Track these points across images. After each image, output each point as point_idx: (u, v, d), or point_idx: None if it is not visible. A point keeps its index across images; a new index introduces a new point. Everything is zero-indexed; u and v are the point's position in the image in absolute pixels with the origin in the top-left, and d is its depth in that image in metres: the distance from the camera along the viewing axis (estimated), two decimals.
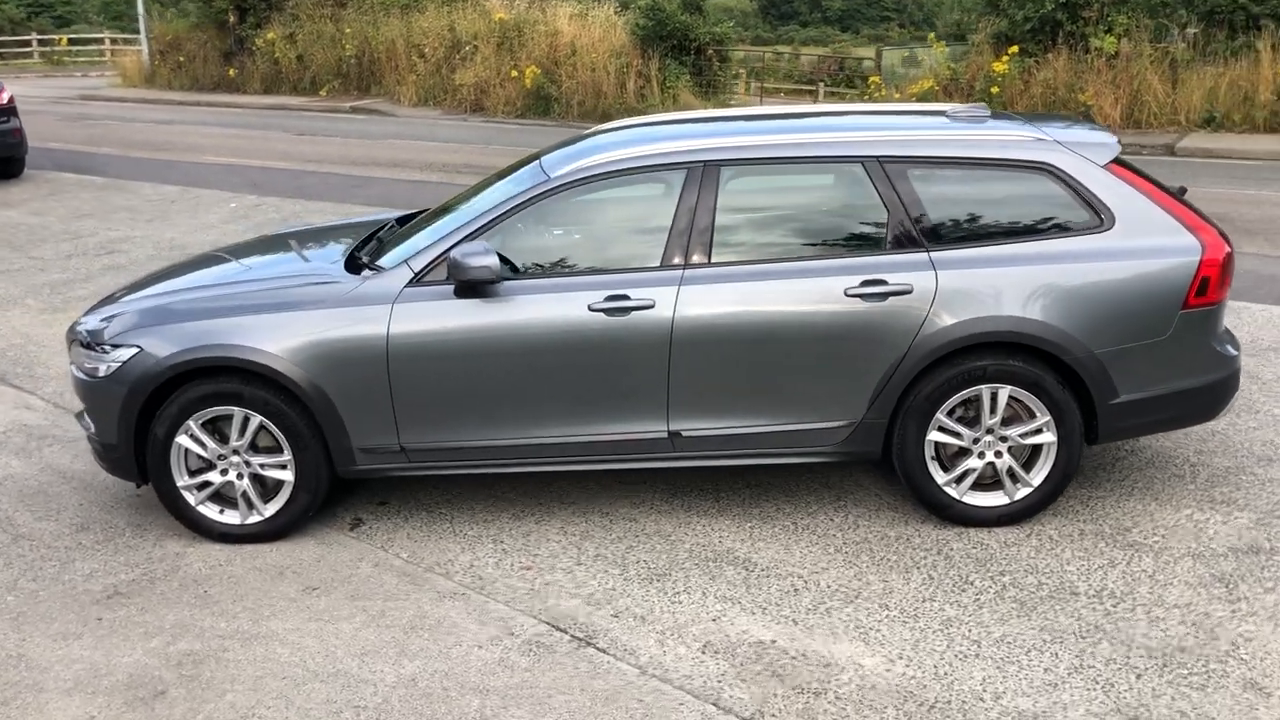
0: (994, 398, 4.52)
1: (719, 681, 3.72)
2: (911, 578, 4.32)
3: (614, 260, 4.61)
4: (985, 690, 3.63)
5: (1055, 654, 3.81)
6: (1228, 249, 4.53)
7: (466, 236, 4.57)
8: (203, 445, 4.66)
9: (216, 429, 4.65)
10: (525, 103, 22.35)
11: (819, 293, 4.47)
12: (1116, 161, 4.62)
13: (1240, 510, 4.74)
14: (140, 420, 4.62)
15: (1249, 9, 17.14)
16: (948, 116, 5.02)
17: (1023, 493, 4.62)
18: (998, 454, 4.59)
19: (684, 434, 4.61)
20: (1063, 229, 4.53)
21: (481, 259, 4.35)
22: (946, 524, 4.69)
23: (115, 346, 4.63)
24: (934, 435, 4.57)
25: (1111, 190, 4.54)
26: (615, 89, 21.79)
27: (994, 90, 18.20)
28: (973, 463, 4.61)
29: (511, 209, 4.60)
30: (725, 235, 4.55)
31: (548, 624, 4.09)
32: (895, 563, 4.43)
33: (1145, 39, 17.70)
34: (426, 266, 4.57)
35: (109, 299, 5.20)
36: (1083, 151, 4.60)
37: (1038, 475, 4.60)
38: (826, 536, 4.65)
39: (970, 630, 3.96)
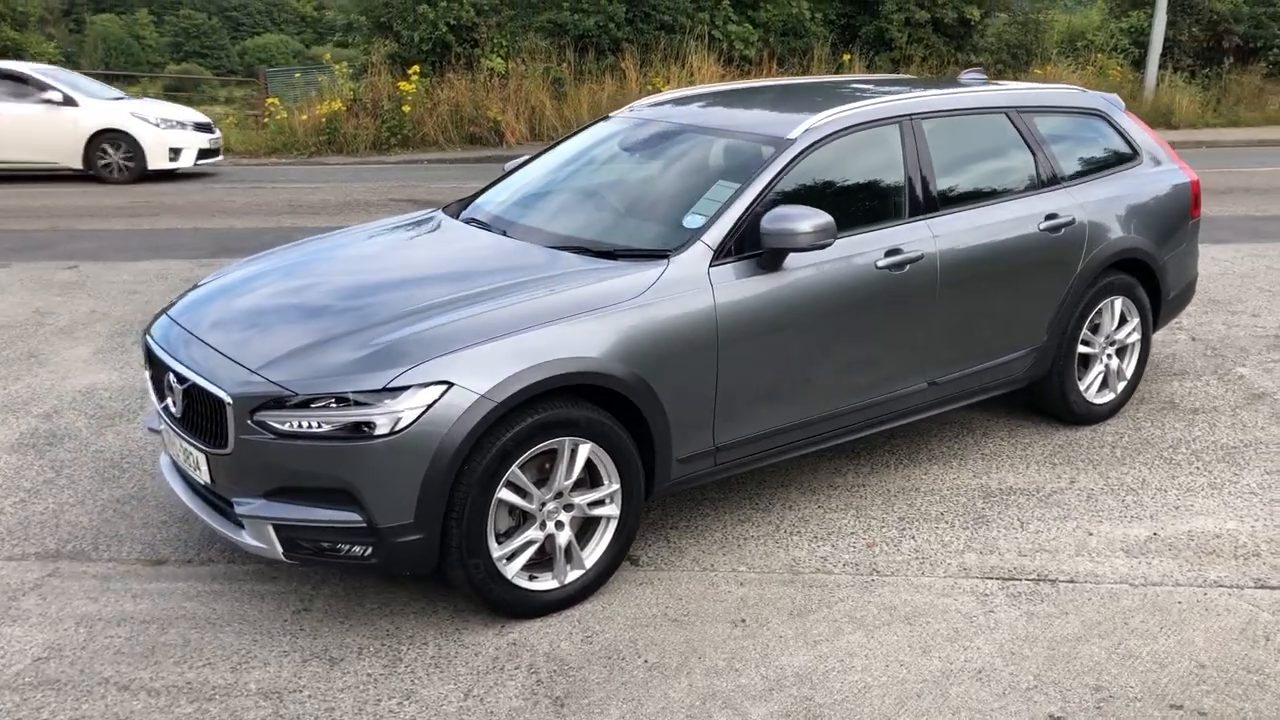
0: (1112, 308, 5.31)
1: (1205, 570, 4.03)
2: (1155, 468, 4.91)
3: (865, 215, 4.49)
4: None
5: None
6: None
7: (751, 206, 4.13)
8: (524, 495, 3.63)
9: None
10: None
11: (1024, 230, 4.86)
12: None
13: (1239, 366, 6.18)
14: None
15: (612, 34, 19.67)
16: (964, 80, 5.65)
17: (1121, 385, 5.49)
18: (1109, 356, 5.39)
19: (938, 382, 4.69)
20: (1119, 163, 5.45)
21: (814, 221, 3.98)
22: (1075, 426, 5.36)
23: (397, 390, 3.38)
24: (1080, 349, 5.23)
25: (1134, 130, 5.58)
26: None
27: (406, 109, 18.58)
28: (1098, 368, 5.36)
29: (777, 174, 4.23)
30: (941, 183, 4.70)
31: (995, 579, 3.98)
32: (1117, 460, 4.99)
33: (535, 61, 19.39)
34: (724, 241, 4.05)
35: (259, 341, 3.70)
36: (1110, 100, 5.57)
37: (1129, 368, 5.50)
38: (1030, 457, 5.05)
39: (1257, 492, 4.67)
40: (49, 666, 3.43)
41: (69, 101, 14.83)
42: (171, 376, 3.78)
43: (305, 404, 3.40)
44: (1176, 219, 5.55)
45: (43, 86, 14.88)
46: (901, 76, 6.22)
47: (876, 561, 4.11)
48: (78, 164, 14.82)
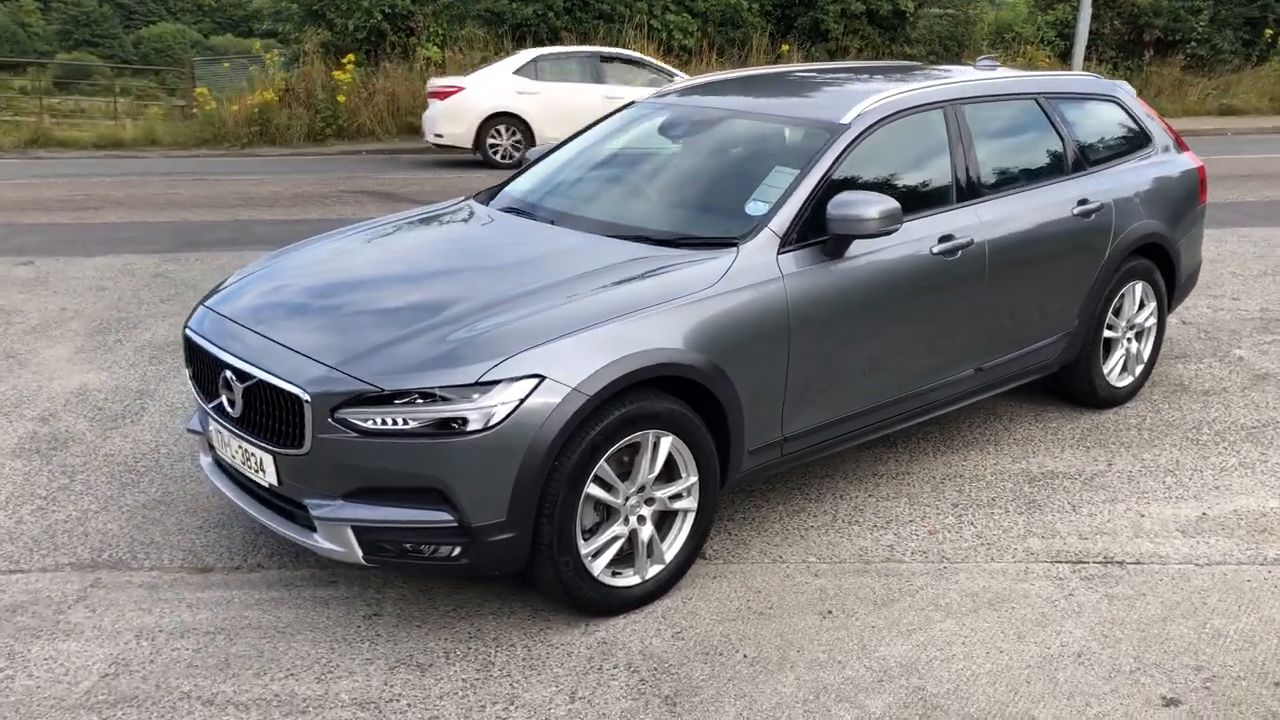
0: (1133, 292, 5.37)
1: (1262, 548, 4.09)
2: (1185, 449, 5.00)
3: (917, 201, 4.46)
4: None
5: None
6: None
7: (815, 190, 4.07)
8: (611, 490, 3.53)
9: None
10: None
11: (1060, 215, 4.88)
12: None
13: (1236, 348, 6.32)
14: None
15: (551, 23, 19.48)
16: (979, 67, 5.66)
17: (1139, 368, 5.56)
18: (1129, 340, 5.46)
19: (984, 368, 4.69)
20: (1135, 148, 5.51)
21: (881, 207, 3.93)
22: (1098, 409, 5.42)
23: (488, 384, 3.26)
24: (1105, 333, 5.29)
25: (1146, 116, 5.66)
26: None
27: (341, 99, 18.15)
28: (1120, 352, 5.42)
29: (836, 159, 4.18)
30: (984, 169, 4.70)
31: (1064, 563, 4.00)
32: (1146, 442, 5.07)
33: (473, 50, 19.08)
34: (789, 228, 3.99)
35: (332, 337, 3.53)
36: (1122, 86, 5.64)
37: (1146, 351, 5.58)
38: (1062, 440, 5.10)
39: None
40: (120, 683, 3.24)
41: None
42: (229, 374, 3.59)
43: (389, 400, 3.25)
44: (1187, 203, 5.65)
45: (654, 68, 15.36)
46: (910, 64, 6.21)
47: (943, 548, 4.10)
48: None
